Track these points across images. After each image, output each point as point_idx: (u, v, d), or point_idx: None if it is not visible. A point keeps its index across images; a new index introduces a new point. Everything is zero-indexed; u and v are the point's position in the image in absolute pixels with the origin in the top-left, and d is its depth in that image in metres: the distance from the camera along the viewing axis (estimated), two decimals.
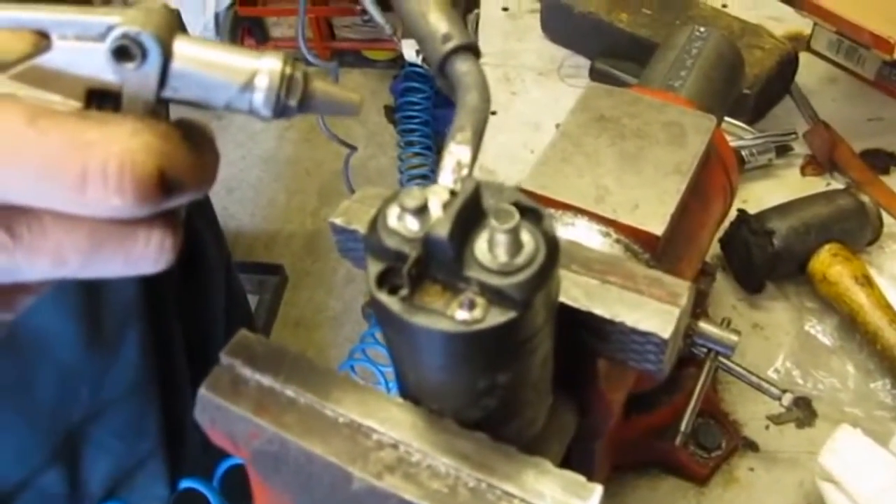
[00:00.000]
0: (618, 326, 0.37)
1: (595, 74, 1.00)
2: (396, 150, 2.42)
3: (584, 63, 1.04)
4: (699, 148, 0.54)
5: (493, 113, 1.02)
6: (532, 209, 0.31)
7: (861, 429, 0.69)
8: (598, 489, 0.31)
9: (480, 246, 0.29)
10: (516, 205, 0.30)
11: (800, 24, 1.06)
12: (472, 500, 0.32)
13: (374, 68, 2.74)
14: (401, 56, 2.47)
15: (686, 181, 0.52)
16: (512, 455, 0.33)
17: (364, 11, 2.51)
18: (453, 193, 0.31)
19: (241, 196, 2.43)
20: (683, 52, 0.67)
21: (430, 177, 2.31)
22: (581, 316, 0.37)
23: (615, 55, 1.00)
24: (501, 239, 0.28)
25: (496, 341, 0.29)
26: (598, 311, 0.36)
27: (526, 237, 0.29)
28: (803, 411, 0.74)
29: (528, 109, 1.02)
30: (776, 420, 0.73)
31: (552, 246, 0.30)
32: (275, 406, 0.35)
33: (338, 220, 0.42)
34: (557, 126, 0.78)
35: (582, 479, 0.32)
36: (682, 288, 0.37)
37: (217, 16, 2.68)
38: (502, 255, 0.29)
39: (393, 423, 0.34)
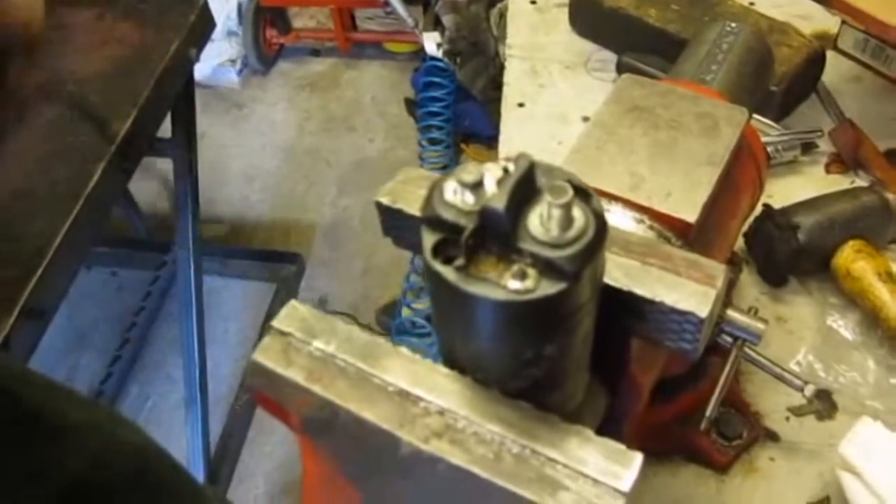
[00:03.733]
0: (657, 306, 0.38)
1: (622, 69, 1.01)
2: (416, 142, 2.44)
3: (611, 57, 1.05)
4: (731, 140, 0.55)
5: (521, 105, 1.04)
6: (582, 189, 0.32)
7: (882, 422, 0.70)
8: (637, 456, 0.33)
9: (533, 220, 0.31)
10: (568, 183, 0.31)
11: (827, 22, 1.07)
12: (517, 466, 0.33)
13: (395, 60, 2.76)
14: (422, 49, 2.50)
15: (718, 172, 0.53)
16: (555, 423, 0.34)
17: (387, 3, 2.53)
18: (506, 171, 0.32)
19: (260, 185, 2.45)
20: (715, 46, 0.68)
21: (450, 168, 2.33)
22: (622, 296, 0.38)
23: (642, 50, 1.01)
24: (555, 213, 0.30)
25: (545, 312, 0.31)
26: (639, 290, 0.38)
27: (577, 213, 0.31)
28: (824, 404, 0.75)
29: (555, 102, 1.03)
30: (797, 412, 0.74)
31: (601, 223, 0.31)
32: (325, 373, 0.37)
33: (384, 200, 0.44)
34: (584, 119, 0.79)
35: (622, 447, 0.33)
36: (719, 270, 0.39)
37: (240, 5, 2.70)
38: (555, 229, 0.30)
39: (440, 391, 0.35)
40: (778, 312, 0.81)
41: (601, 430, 0.48)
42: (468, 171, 0.31)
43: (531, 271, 0.30)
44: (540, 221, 0.30)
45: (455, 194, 0.31)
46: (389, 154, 2.52)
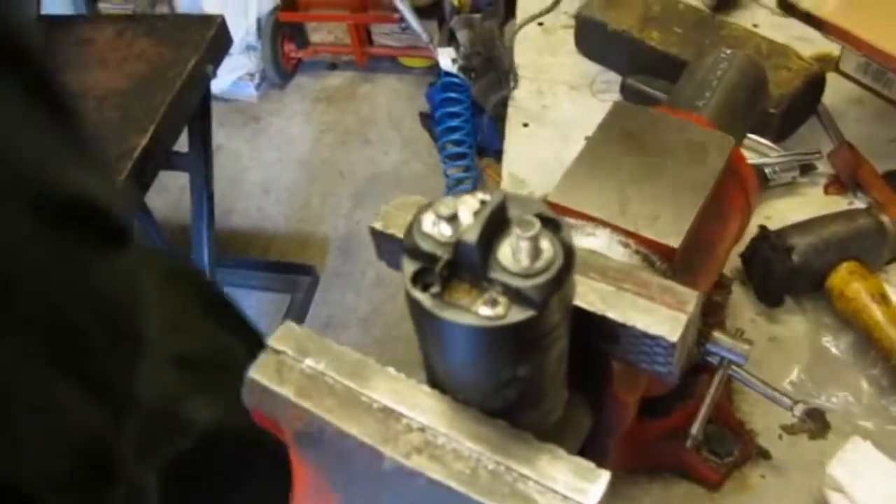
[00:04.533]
0: (630, 330, 0.40)
1: (626, 91, 1.03)
2: (431, 156, 2.47)
3: (616, 79, 1.07)
4: (717, 167, 0.57)
5: (525, 125, 1.06)
6: (552, 220, 0.34)
7: (872, 442, 0.71)
8: (605, 474, 0.35)
9: (504, 251, 0.33)
10: (538, 216, 0.33)
11: (829, 45, 1.08)
12: (492, 481, 0.35)
13: (410, 74, 2.79)
14: (436, 64, 2.52)
15: (704, 198, 0.55)
16: (529, 441, 0.36)
17: (402, 19, 2.57)
18: (483, 203, 0.34)
19: (276, 197, 2.49)
20: (709, 73, 0.70)
21: (472, 185, 2.35)
22: (596, 319, 0.40)
23: (646, 72, 1.03)
24: (523, 245, 0.32)
25: (516, 336, 0.33)
26: (612, 315, 0.40)
27: (545, 245, 0.33)
28: (816, 423, 0.76)
29: (560, 122, 1.05)
30: (789, 430, 0.76)
31: (569, 254, 0.33)
32: (315, 391, 0.39)
33: (377, 225, 0.46)
34: (587, 139, 0.82)
35: (591, 464, 0.35)
36: (691, 296, 0.40)
37: (259, 20, 2.75)
38: (524, 260, 0.32)
39: (422, 409, 0.38)
40: (773, 332, 0.82)
41: (587, 448, 0.50)
42: (445, 205, 0.33)
43: (502, 299, 0.32)
44: (511, 252, 0.33)
45: (433, 226, 0.34)
46: (404, 168, 2.55)
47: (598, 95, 1.07)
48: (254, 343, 0.43)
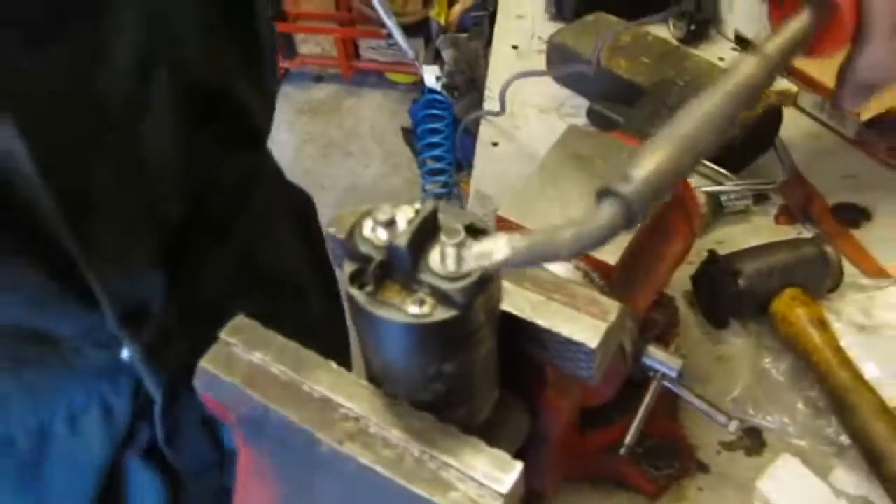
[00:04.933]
0: (555, 336, 0.43)
1: (592, 115, 1.07)
2: (410, 171, 2.50)
3: (584, 104, 1.11)
4: None
5: (495, 144, 1.10)
6: (482, 230, 0.38)
7: (805, 461, 0.75)
8: (518, 465, 0.38)
9: (434, 256, 0.36)
10: (468, 226, 0.37)
11: (786, 83, 1.13)
12: (416, 468, 0.38)
13: (395, 90, 2.84)
14: (421, 80, 2.56)
15: (647, 221, 0.59)
16: (452, 433, 0.39)
17: (389, 35, 2.61)
18: (417, 212, 0.37)
19: None
20: (660, 102, 0.74)
21: (451, 199, 2.38)
22: (525, 325, 0.44)
23: (613, 99, 1.07)
24: (449, 251, 0.35)
25: (441, 334, 0.36)
26: (539, 321, 0.43)
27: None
28: (753, 440, 0.80)
29: (528, 142, 1.09)
30: (728, 447, 0.79)
31: None
32: (261, 379, 0.42)
33: (331, 230, 0.49)
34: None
35: (507, 456, 0.38)
36: (614, 307, 0.44)
37: None
38: (450, 265, 0.36)
39: (357, 400, 0.41)
40: (719, 352, 0.86)
41: (525, 453, 0.53)
42: (383, 211, 0.37)
43: (429, 299, 0.36)
44: (439, 257, 0.36)
45: (372, 231, 0.37)
46: (383, 181, 2.59)
47: (565, 119, 1.11)
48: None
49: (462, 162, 2.44)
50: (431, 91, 2.45)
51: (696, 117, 0.38)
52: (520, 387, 0.50)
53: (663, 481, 0.75)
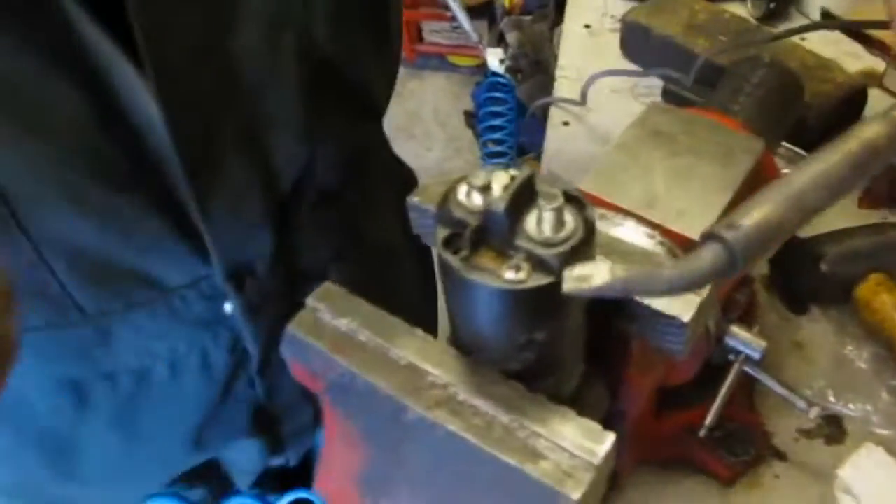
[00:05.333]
0: (646, 309, 0.42)
1: (667, 95, 1.05)
2: (472, 154, 2.50)
3: (658, 84, 1.09)
4: (746, 167, 0.59)
5: (566, 123, 1.08)
6: (577, 198, 0.37)
7: (889, 451, 0.72)
8: (611, 435, 0.37)
9: (530, 222, 0.36)
10: (563, 192, 0.36)
11: (875, 61, 1.09)
12: (505, 436, 0.38)
13: (458, 73, 2.83)
14: (485, 63, 2.55)
15: (730, 196, 0.57)
16: (542, 402, 0.39)
17: (453, 18, 2.60)
18: (513, 178, 0.37)
19: None
20: (744, 79, 0.72)
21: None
22: (617, 298, 0.43)
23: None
24: (547, 216, 0.35)
25: (535, 301, 0.36)
26: None
27: (568, 218, 0.36)
28: (833, 428, 0.77)
29: (600, 124, 1.07)
30: (807, 434, 0.77)
31: (590, 228, 0.36)
32: (348, 346, 0.42)
33: (415, 199, 0.49)
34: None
35: (598, 426, 0.38)
36: None
37: None
38: (547, 231, 0.35)
39: (445, 367, 0.41)
40: (797, 338, 0.84)
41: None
42: (478, 177, 0.36)
43: (525, 265, 0.35)
44: (535, 223, 0.35)
45: (466, 196, 0.37)
46: (446, 164, 2.59)
47: (639, 99, 1.09)
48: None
49: (526, 145, 2.42)
50: (495, 74, 2.43)
51: (810, 176, 0.36)
52: (602, 362, 0.49)
53: (739, 467, 0.74)
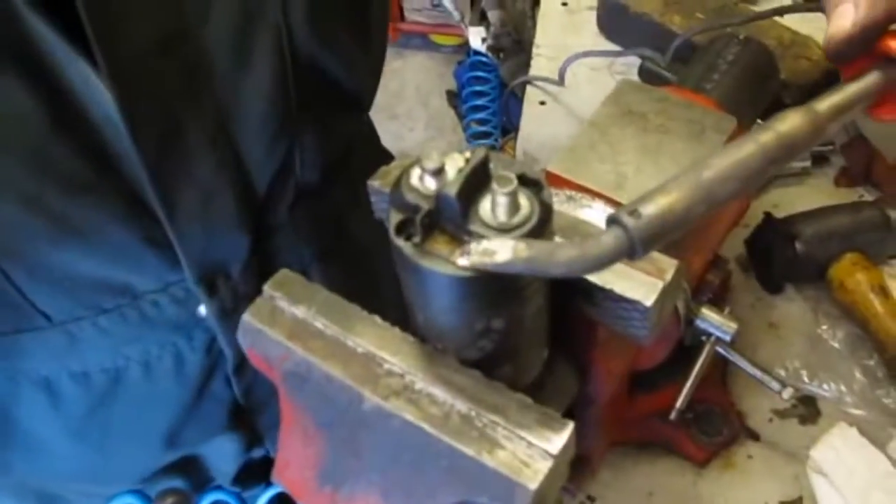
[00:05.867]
0: (608, 294, 0.41)
1: (644, 73, 1.03)
2: (455, 134, 2.48)
3: (635, 62, 1.07)
4: (716, 146, 0.58)
5: (542, 103, 1.07)
6: (534, 180, 0.36)
7: (861, 431, 0.72)
8: (569, 424, 0.37)
9: (484, 206, 0.35)
10: (520, 176, 0.35)
11: None
12: (462, 425, 0.37)
13: (441, 52, 2.80)
14: (467, 42, 2.52)
15: None
16: (500, 390, 0.38)
17: None
18: (467, 161, 0.36)
19: None
20: (719, 57, 0.70)
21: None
22: (578, 281, 0.42)
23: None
24: (501, 201, 0.34)
25: (491, 287, 0.35)
26: (592, 278, 0.41)
27: (523, 202, 0.35)
28: (808, 409, 0.77)
29: (577, 103, 1.06)
30: (780, 414, 0.77)
31: (546, 213, 0.35)
32: (305, 334, 0.41)
33: (375, 183, 0.48)
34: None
35: (557, 414, 0.37)
36: (670, 265, 0.42)
37: None
38: (501, 215, 0.34)
39: (402, 356, 0.40)
40: (771, 318, 0.83)
41: (570, 414, 0.52)
42: (431, 159, 0.35)
43: None
44: (490, 207, 0.34)
45: (419, 180, 0.36)
46: (428, 144, 2.57)
47: (616, 77, 1.08)
48: None
49: (508, 125, 2.40)
50: (477, 53, 2.41)
51: (722, 165, 0.36)
52: (569, 347, 0.49)
53: (712, 448, 0.73)
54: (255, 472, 0.73)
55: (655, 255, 0.43)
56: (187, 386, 0.63)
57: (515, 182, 0.33)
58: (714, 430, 0.74)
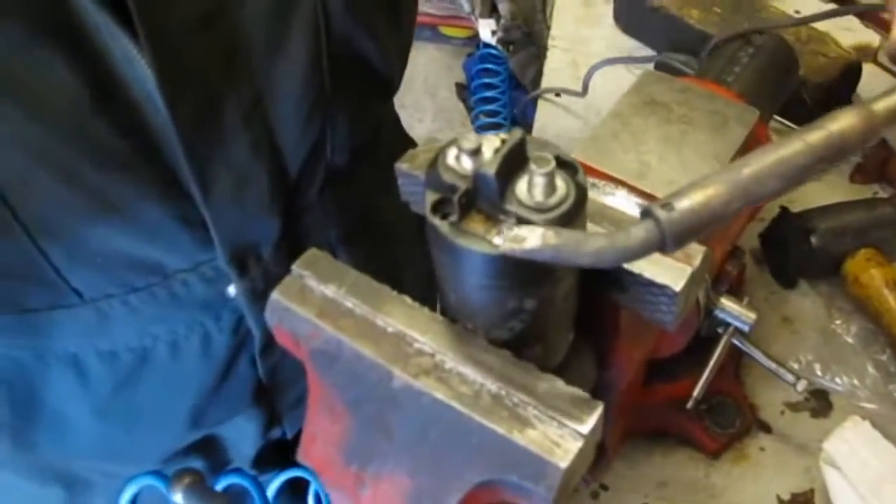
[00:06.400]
0: (637, 278, 0.42)
1: (660, 67, 1.03)
2: (464, 127, 2.48)
3: (652, 55, 1.07)
4: (739, 138, 0.58)
5: (558, 95, 1.07)
6: (569, 163, 0.36)
7: (874, 425, 0.72)
8: (599, 405, 0.37)
9: (521, 186, 0.35)
10: (556, 157, 0.35)
11: (869, 35, 1.08)
12: (492, 404, 0.37)
13: (450, 44, 2.79)
14: (476, 35, 2.52)
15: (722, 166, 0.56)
16: (530, 370, 0.38)
17: None
18: (503, 142, 0.36)
19: None
20: (740, 49, 0.71)
21: None
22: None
23: (682, 50, 1.03)
24: (538, 181, 0.34)
25: (525, 267, 0.35)
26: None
27: (560, 183, 0.35)
28: (820, 402, 0.78)
29: (593, 95, 1.06)
30: (793, 407, 0.77)
31: (581, 194, 0.35)
32: (334, 312, 0.42)
33: (403, 166, 0.48)
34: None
35: (587, 395, 0.37)
36: (698, 251, 0.42)
37: None
38: (538, 195, 0.34)
39: (432, 335, 0.40)
40: (785, 312, 0.83)
41: None
42: (468, 140, 0.35)
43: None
44: (526, 188, 0.35)
45: (455, 160, 0.36)
46: (436, 135, 2.57)
47: (632, 70, 1.08)
48: None
49: (518, 118, 2.40)
50: (487, 45, 2.41)
51: (764, 162, 0.34)
52: (591, 332, 0.49)
53: (725, 439, 0.74)
54: (271, 456, 0.74)
55: None
56: (213, 366, 0.63)
57: (554, 162, 0.34)
58: (727, 421, 0.74)
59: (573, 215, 0.35)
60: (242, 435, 0.70)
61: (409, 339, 0.40)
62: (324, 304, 0.42)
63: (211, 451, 0.70)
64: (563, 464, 0.35)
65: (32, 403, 0.61)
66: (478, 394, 0.38)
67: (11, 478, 0.68)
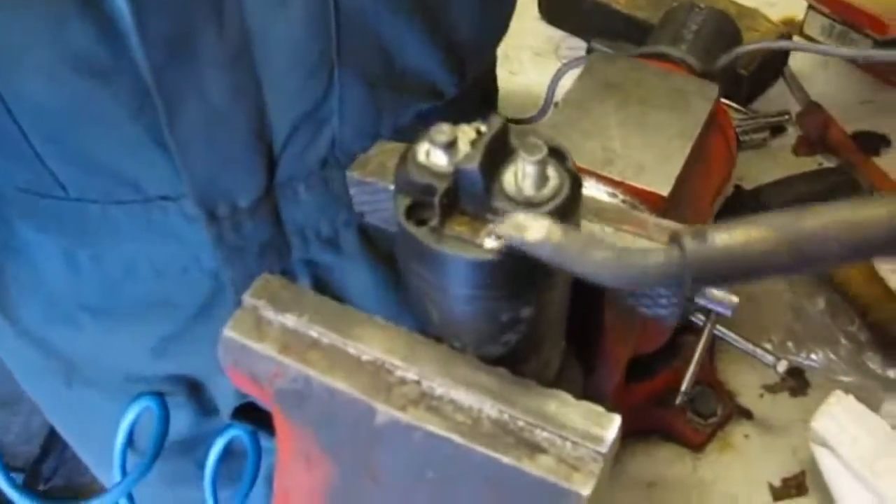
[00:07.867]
0: None
1: (592, 55, 1.01)
2: None
3: (582, 45, 1.05)
4: (703, 113, 0.55)
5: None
6: (557, 149, 0.32)
7: (856, 398, 0.71)
8: (616, 418, 0.33)
9: (508, 179, 0.30)
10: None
11: (793, 9, 1.08)
12: (495, 431, 0.33)
13: None
14: None
15: (690, 144, 0.53)
16: (532, 388, 0.34)
17: None
18: (479, 133, 0.32)
19: None
20: (683, 26, 0.68)
21: None
22: None
23: (612, 37, 1.01)
24: (529, 171, 0.29)
25: (521, 271, 0.30)
26: None
27: (551, 173, 0.31)
28: (797, 380, 0.75)
29: (526, 87, 1.03)
30: (771, 389, 0.75)
31: (576, 182, 0.31)
32: (299, 345, 0.36)
33: (354, 173, 0.43)
34: (555, 105, 0.79)
35: (601, 409, 0.33)
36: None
37: None
38: (529, 188, 0.30)
39: (415, 359, 0.35)
40: (749, 292, 0.81)
41: None
42: (441, 132, 0.31)
43: None
44: (514, 180, 0.30)
45: (427, 156, 0.31)
46: None
47: (563, 61, 1.05)
48: None
49: None
50: None
51: (830, 219, 0.28)
52: (575, 336, 0.45)
53: (708, 430, 0.71)
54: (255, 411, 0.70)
55: (671, 224, 0.40)
56: (193, 301, 0.61)
57: (546, 149, 0.29)
58: (709, 410, 0.71)
59: (569, 209, 0.30)
60: (222, 391, 0.67)
61: (388, 367, 0.35)
62: (285, 337, 0.37)
63: (196, 396, 0.69)
64: (585, 490, 0.31)
65: (28, 266, 0.62)
66: (477, 421, 0.33)
67: (18, 344, 0.68)
